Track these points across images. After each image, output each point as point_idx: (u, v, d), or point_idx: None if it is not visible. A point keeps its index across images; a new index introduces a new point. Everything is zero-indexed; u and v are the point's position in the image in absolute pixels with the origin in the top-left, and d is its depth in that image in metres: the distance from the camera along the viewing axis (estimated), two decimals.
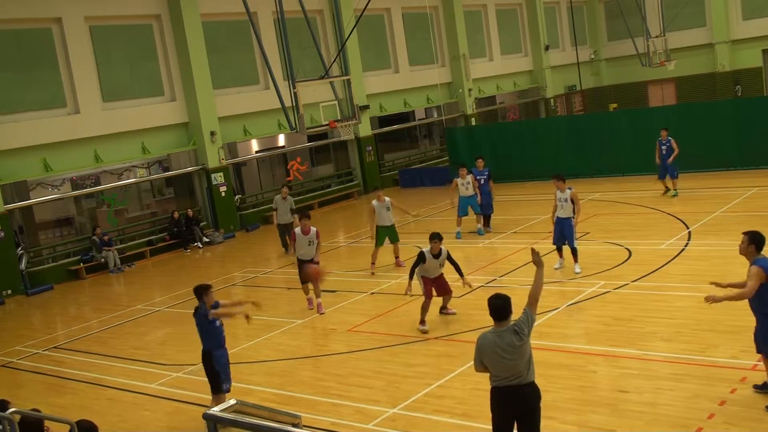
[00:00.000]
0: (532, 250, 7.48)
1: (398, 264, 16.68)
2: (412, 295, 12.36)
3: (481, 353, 6.86)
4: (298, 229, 14.14)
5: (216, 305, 9.55)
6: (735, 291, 8.32)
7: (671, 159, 19.85)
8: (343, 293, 15.14)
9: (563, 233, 14.27)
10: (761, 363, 9.15)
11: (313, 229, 14.10)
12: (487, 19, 36.57)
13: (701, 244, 14.97)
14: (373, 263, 16.54)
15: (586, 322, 11.59)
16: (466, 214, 18.53)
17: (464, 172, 18.34)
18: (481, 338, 6.90)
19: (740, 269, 12.89)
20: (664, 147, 20.12)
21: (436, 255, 12.01)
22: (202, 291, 9.52)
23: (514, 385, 6.71)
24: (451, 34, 33.69)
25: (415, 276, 12.20)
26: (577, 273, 14.06)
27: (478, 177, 18.52)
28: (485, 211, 18.88)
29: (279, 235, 20.69)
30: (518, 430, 6.81)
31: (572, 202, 14.14)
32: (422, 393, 9.71)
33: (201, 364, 9.65)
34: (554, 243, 14.55)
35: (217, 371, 9.50)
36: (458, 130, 30.38)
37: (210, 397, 9.76)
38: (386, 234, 16.60)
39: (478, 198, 18.37)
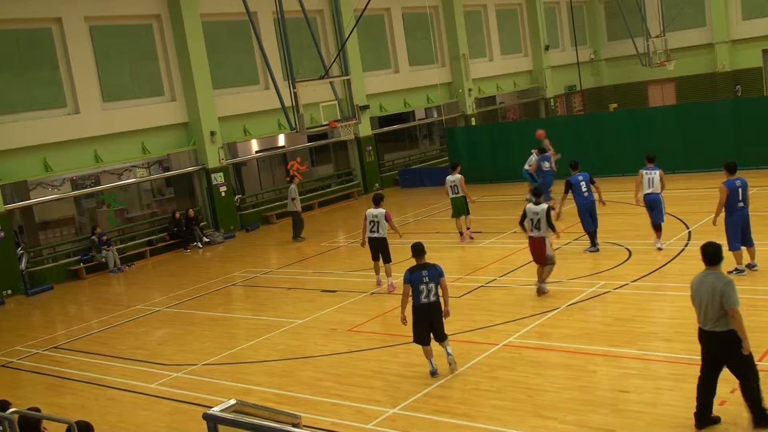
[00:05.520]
0: None
1: (467, 235, 18.36)
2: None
3: (693, 292, 7.70)
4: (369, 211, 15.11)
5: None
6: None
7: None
8: (343, 293, 15.14)
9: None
10: (761, 362, 9.15)
11: (383, 210, 14.98)
12: (487, 19, 36.57)
13: (701, 244, 14.94)
14: (461, 233, 18.44)
15: (586, 322, 11.59)
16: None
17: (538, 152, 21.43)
18: (694, 279, 7.77)
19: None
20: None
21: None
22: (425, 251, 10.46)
23: (709, 329, 7.46)
24: (451, 34, 33.69)
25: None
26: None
27: (542, 160, 21.13)
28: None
29: (295, 223, 21.70)
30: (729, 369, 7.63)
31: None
32: (422, 393, 9.70)
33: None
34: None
35: None
36: (458, 130, 30.37)
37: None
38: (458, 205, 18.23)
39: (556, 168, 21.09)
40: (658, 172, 15.11)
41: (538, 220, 12.97)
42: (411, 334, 12.02)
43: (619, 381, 9.30)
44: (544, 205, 13.12)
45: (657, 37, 36.54)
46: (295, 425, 5.34)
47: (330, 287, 15.71)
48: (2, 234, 19.57)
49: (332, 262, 18.37)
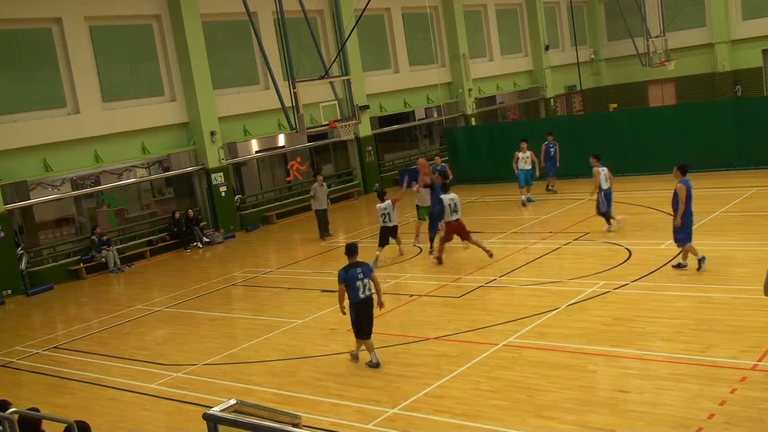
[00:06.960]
0: None
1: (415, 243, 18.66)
2: None
3: None
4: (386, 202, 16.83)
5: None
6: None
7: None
8: None
9: None
10: (761, 362, 9.17)
11: (389, 201, 16.83)
12: (487, 19, 36.57)
13: (701, 244, 14.92)
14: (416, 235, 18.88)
15: (586, 322, 11.58)
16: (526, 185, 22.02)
17: (525, 145, 22.30)
18: None
19: (740, 269, 12.97)
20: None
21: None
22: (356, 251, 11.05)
23: None
24: (451, 34, 33.69)
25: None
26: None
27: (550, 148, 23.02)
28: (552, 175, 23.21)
29: (317, 221, 21.61)
30: None
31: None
32: (422, 393, 9.70)
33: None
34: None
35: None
36: (458, 130, 30.37)
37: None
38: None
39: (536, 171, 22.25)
40: (606, 168, 16.96)
41: (455, 204, 15.60)
42: (408, 334, 12.08)
43: (619, 381, 9.30)
44: (453, 194, 15.74)
45: (657, 37, 36.54)
46: (295, 425, 5.35)
47: (330, 287, 15.68)
48: (2, 234, 19.57)
49: (332, 262, 18.35)
